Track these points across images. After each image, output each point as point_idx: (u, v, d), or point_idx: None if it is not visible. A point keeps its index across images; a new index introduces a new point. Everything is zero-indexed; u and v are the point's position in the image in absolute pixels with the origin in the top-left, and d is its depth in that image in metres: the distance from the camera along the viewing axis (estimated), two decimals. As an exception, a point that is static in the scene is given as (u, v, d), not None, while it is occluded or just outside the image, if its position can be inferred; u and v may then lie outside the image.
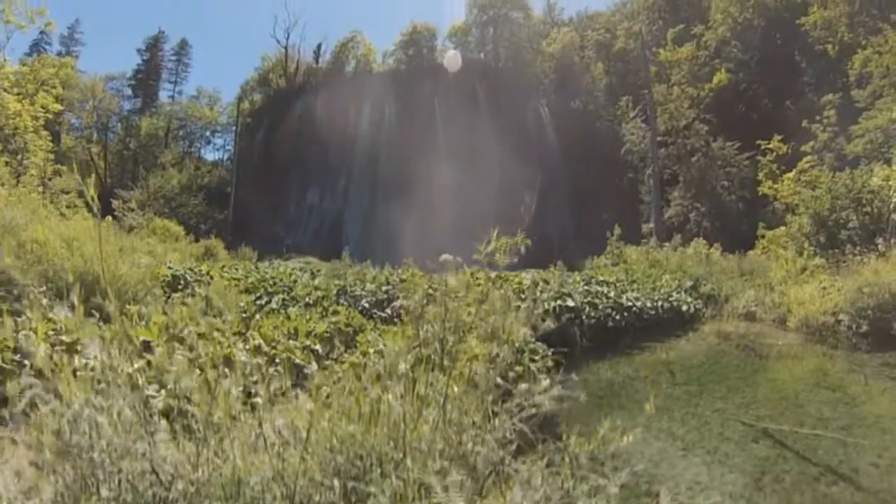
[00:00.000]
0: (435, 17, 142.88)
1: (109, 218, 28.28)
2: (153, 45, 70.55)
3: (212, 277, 12.89)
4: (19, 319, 6.99)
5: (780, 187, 29.10)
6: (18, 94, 27.75)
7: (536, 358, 6.80)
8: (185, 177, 51.62)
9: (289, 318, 8.05)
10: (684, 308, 14.46)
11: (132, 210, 35.03)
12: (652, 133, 40.28)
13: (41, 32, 39.24)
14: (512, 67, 60.04)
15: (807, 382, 9.47)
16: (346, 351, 7.08)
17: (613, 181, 46.36)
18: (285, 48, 64.61)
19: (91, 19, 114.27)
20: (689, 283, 16.54)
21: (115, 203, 35.54)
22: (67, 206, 25.72)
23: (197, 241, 30.49)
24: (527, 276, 12.80)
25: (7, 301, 7.72)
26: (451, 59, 62.46)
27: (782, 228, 25.19)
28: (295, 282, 13.96)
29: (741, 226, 32.68)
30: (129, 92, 68.06)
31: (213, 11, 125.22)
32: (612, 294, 12.91)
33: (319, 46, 68.51)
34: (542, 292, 11.39)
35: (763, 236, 26.93)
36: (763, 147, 32.75)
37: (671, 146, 40.79)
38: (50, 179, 26.94)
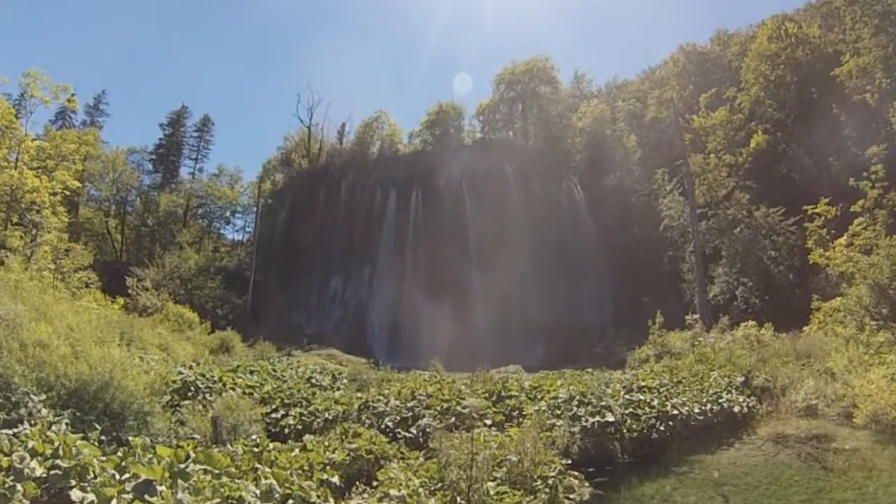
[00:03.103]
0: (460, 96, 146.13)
1: (121, 300, 28.60)
2: (176, 121, 72.77)
3: (224, 384, 12.80)
4: (15, 432, 6.92)
5: (832, 255, 27.96)
6: (38, 168, 28.79)
7: (572, 496, 6.48)
8: (202, 258, 51.87)
9: (305, 447, 7.86)
10: (736, 409, 13.88)
11: (147, 289, 35.42)
12: (691, 206, 39.74)
13: (65, 104, 41.34)
14: (542, 145, 60.04)
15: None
16: (365, 490, 6.85)
17: (653, 260, 45.43)
18: (308, 128, 65.60)
19: (117, 90, 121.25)
20: (740, 379, 15.91)
21: (129, 281, 35.96)
22: (79, 287, 26.18)
23: (213, 329, 30.48)
24: (563, 392, 12.29)
25: (4, 409, 7.65)
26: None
27: (839, 300, 24.12)
28: (314, 394, 13.76)
29: (793, 298, 31.74)
30: (149, 166, 70.20)
31: (236, 87, 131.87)
32: (655, 402, 12.49)
33: (343, 126, 69.33)
34: (578, 406, 11.00)
35: (818, 309, 25.84)
36: (810, 212, 31.65)
37: (712, 219, 39.97)
38: (61, 259, 27.48)
